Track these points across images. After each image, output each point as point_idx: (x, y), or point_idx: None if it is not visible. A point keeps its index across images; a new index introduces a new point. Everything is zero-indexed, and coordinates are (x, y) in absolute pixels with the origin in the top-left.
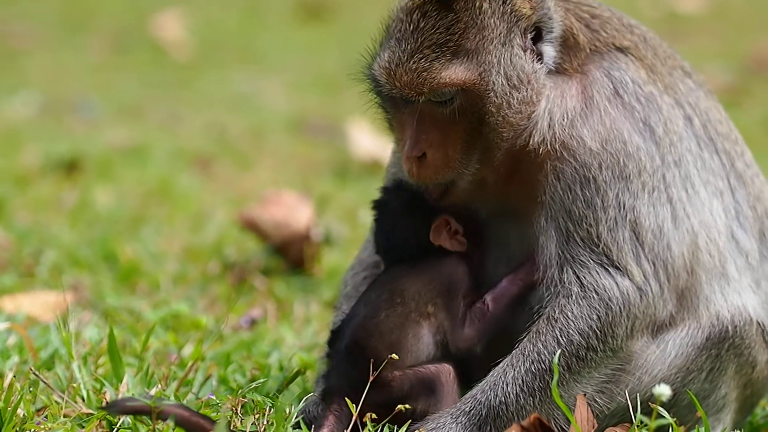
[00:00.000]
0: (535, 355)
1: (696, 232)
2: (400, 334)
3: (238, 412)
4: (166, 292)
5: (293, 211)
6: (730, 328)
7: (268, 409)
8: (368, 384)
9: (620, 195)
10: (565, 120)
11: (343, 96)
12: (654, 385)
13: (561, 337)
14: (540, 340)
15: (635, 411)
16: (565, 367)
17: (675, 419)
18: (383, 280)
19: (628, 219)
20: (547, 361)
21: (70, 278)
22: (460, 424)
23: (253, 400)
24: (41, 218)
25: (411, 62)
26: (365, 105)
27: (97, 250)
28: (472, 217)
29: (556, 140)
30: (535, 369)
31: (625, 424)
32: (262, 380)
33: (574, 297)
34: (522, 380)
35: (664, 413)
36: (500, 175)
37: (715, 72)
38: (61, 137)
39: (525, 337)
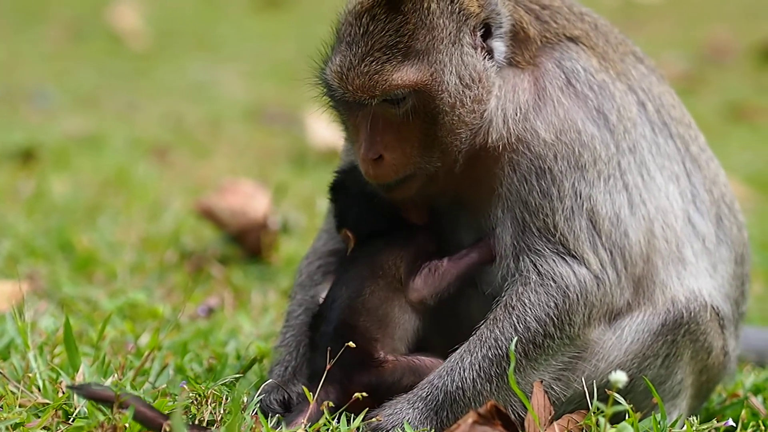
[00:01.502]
0: (492, 341)
1: (652, 219)
2: (386, 308)
3: (195, 401)
4: (122, 281)
5: (250, 200)
6: (685, 313)
7: (225, 398)
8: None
9: (576, 184)
10: (519, 114)
11: (301, 85)
12: (611, 372)
13: (518, 323)
14: (497, 326)
15: (592, 398)
16: (522, 354)
17: (631, 405)
18: (359, 260)
19: (584, 208)
20: (504, 347)
21: (26, 267)
22: (416, 410)
23: (209, 390)
24: None
25: (362, 65)
26: (320, 108)
27: (53, 240)
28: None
29: (511, 135)
30: (491, 355)
31: (582, 411)
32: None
33: (531, 285)
34: (479, 366)
35: (621, 400)
36: (456, 171)
37: (671, 60)
38: (16, 126)
39: (482, 324)
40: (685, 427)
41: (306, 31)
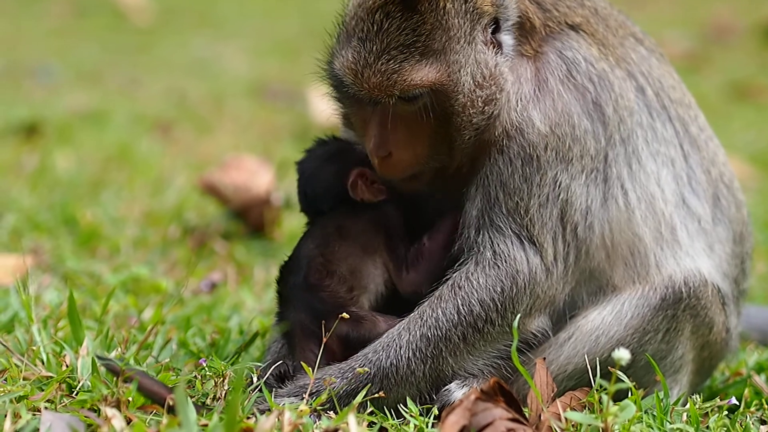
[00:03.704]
0: (433, 321)
1: (632, 207)
2: (357, 261)
3: (198, 376)
4: (126, 256)
5: (253, 176)
6: (684, 289)
7: (228, 373)
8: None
9: (559, 175)
10: (519, 104)
11: (303, 61)
12: (612, 347)
13: (462, 306)
14: (440, 306)
15: (594, 374)
16: (461, 338)
17: (633, 382)
18: (325, 222)
19: (560, 198)
20: (444, 328)
21: (30, 242)
22: (345, 380)
23: (212, 366)
24: (0, 182)
25: (379, 64)
26: (324, 95)
27: (56, 214)
28: None
29: (511, 124)
30: (430, 335)
31: (585, 388)
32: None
33: (483, 264)
34: (416, 345)
35: (624, 378)
36: (460, 166)
37: (674, 38)
38: (20, 102)
39: (426, 300)
40: (687, 405)
41: (309, 7)
